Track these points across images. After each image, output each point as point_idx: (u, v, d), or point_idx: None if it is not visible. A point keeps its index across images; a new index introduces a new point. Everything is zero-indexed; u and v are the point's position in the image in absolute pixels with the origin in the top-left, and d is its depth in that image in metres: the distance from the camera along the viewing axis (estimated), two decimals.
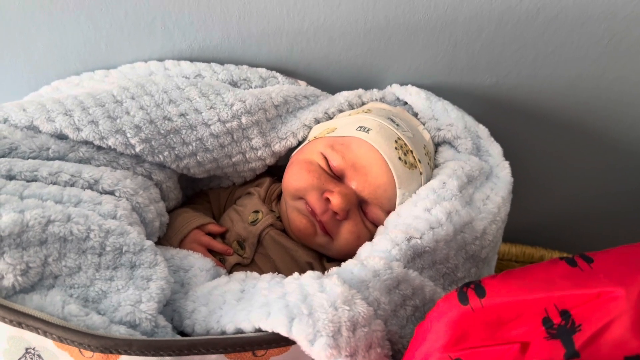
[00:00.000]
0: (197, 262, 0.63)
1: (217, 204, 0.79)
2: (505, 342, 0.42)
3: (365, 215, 0.67)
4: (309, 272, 0.54)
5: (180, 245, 0.69)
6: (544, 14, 0.76)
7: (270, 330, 0.48)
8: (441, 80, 0.83)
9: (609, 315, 0.40)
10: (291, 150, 0.75)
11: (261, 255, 0.70)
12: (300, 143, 0.75)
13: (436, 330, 0.44)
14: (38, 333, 0.47)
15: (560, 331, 0.40)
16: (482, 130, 0.76)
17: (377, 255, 0.56)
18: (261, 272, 0.65)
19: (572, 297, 0.41)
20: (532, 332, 0.41)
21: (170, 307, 0.57)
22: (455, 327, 0.43)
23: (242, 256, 0.69)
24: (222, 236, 0.72)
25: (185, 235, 0.70)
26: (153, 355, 0.47)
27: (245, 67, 0.77)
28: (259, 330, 0.49)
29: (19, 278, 0.49)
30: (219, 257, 0.69)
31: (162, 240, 0.70)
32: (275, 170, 0.79)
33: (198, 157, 0.70)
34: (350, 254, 0.63)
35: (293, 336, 0.47)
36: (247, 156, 0.73)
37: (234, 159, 0.73)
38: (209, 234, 0.71)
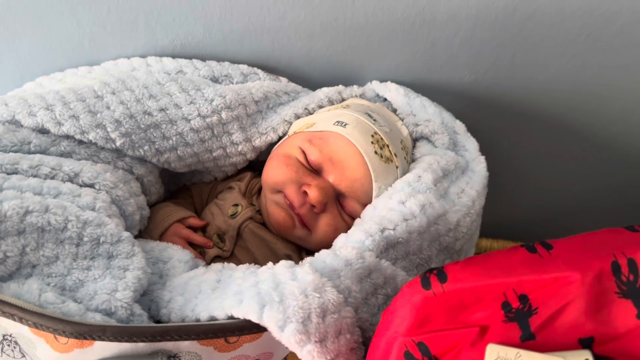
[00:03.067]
0: (176, 254, 0.64)
1: (200, 198, 0.80)
2: (466, 326, 0.43)
3: (343, 209, 0.69)
4: (282, 262, 0.55)
5: (161, 238, 0.71)
6: (521, 12, 0.77)
7: (242, 317, 0.50)
8: (421, 77, 0.84)
9: (564, 298, 0.41)
10: (272, 145, 0.77)
11: (241, 248, 0.71)
12: (280, 138, 0.76)
13: (400, 315, 0.45)
14: (14, 320, 0.48)
15: (517, 315, 0.42)
16: (459, 126, 0.78)
17: (350, 245, 0.58)
18: (240, 264, 0.66)
19: (530, 282, 0.43)
20: (491, 316, 0.43)
21: (147, 297, 0.58)
22: (418, 312, 0.44)
23: (222, 249, 0.71)
24: (203, 230, 0.73)
25: (165, 229, 0.71)
26: (127, 341, 0.48)
27: (226, 63, 0.79)
28: (232, 317, 0.51)
29: None
30: (199, 250, 0.70)
31: (143, 233, 0.71)
32: (257, 165, 0.80)
33: (179, 152, 0.71)
34: (328, 246, 0.64)
35: (264, 322, 0.49)
36: (228, 151, 0.74)
37: (214, 154, 0.74)
38: (190, 227, 0.72)
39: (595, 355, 0.39)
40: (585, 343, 0.40)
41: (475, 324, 0.43)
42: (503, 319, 0.42)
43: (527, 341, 0.40)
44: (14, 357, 0.51)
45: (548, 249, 0.45)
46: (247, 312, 0.49)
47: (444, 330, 0.43)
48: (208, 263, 0.69)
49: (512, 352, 0.39)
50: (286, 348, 0.55)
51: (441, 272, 0.45)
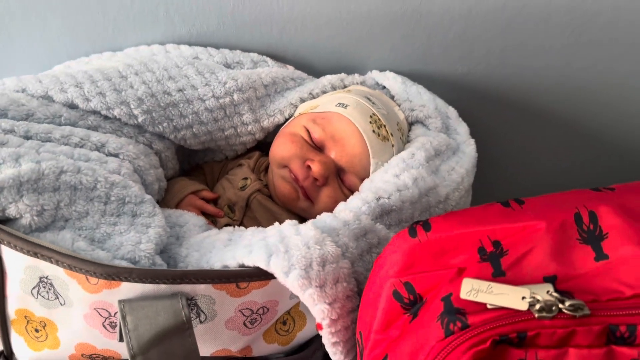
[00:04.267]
0: (192, 219, 0.70)
1: (211, 176, 0.87)
2: (446, 268, 0.49)
3: (343, 183, 0.75)
4: (287, 221, 0.62)
5: (177, 207, 0.77)
6: (510, 8, 0.84)
7: (252, 265, 0.56)
8: (418, 68, 0.91)
9: (531, 243, 0.48)
10: (279, 126, 0.83)
11: (249, 218, 0.78)
12: (287, 120, 0.83)
13: (390, 260, 0.52)
14: (51, 262, 0.54)
15: (490, 256, 0.48)
16: (451, 112, 0.84)
17: (348, 209, 0.64)
18: None
19: (503, 229, 0.49)
20: (469, 259, 0.49)
21: (166, 255, 0.65)
22: (406, 257, 0.51)
23: (232, 218, 0.77)
24: (214, 203, 0.80)
25: (181, 199, 0.77)
26: (150, 282, 0.54)
27: (238, 51, 0.86)
28: (243, 266, 0.57)
29: (35, 218, 0.56)
30: (211, 219, 0.77)
31: (160, 204, 0.78)
32: (264, 146, 0.87)
33: (194, 129, 0.78)
34: None
35: (271, 269, 0.55)
36: (239, 130, 0.81)
37: (226, 133, 0.81)
38: (203, 199, 0.79)
39: (557, 290, 0.45)
40: (548, 280, 0.46)
41: (455, 266, 0.49)
42: (478, 260, 0.48)
43: (498, 277, 0.46)
44: (49, 299, 0.58)
45: (520, 204, 0.52)
46: (256, 260, 0.56)
47: (427, 272, 0.50)
48: None
49: (484, 284, 0.45)
50: (290, 299, 0.61)
51: (426, 223, 0.52)
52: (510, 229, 0.49)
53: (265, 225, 0.76)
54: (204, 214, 0.77)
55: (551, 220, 0.48)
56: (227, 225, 0.76)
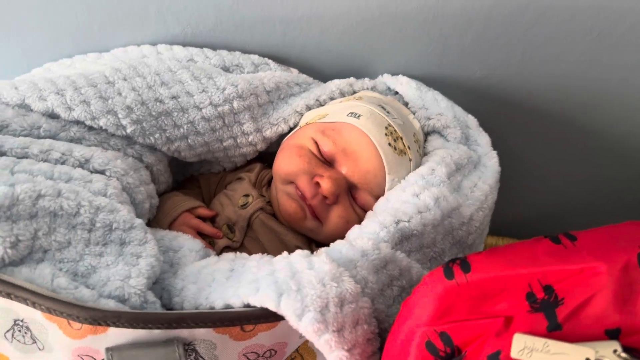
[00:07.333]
0: (187, 243, 0.63)
1: (208, 189, 0.79)
2: (490, 316, 0.42)
3: (355, 201, 0.68)
4: (298, 251, 0.55)
5: (170, 228, 0.70)
6: (533, 9, 0.77)
7: (259, 306, 0.49)
8: (432, 71, 0.84)
9: (591, 289, 0.41)
10: (282, 136, 0.76)
11: (250, 239, 0.70)
12: (291, 129, 0.76)
13: (422, 305, 0.45)
14: (27, 304, 0.47)
15: (543, 305, 0.41)
16: (471, 120, 0.78)
17: (365, 236, 0.57)
18: (250, 255, 0.65)
19: (555, 272, 0.42)
20: (516, 306, 0.42)
21: (159, 286, 0.57)
22: (441, 302, 0.44)
23: (231, 240, 0.70)
24: (212, 220, 0.73)
25: (175, 218, 0.70)
26: (142, 327, 0.47)
27: (237, 53, 0.78)
28: (248, 305, 0.50)
29: (9, 251, 0.49)
30: (208, 240, 0.70)
31: (152, 222, 0.70)
32: (266, 156, 0.80)
33: (189, 140, 0.70)
34: (338, 238, 0.63)
35: (281, 311, 0.48)
36: (238, 141, 0.74)
37: (225, 144, 0.73)
38: (199, 217, 0.71)
39: (625, 349, 0.38)
40: (611, 334, 0.39)
41: (500, 315, 0.42)
42: (528, 309, 0.41)
43: (553, 331, 0.40)
44: (25, 343, 0.50)
45: (572, 240, 0.45)
46: (264, 300, 0.48)
47: (467, 320, 0.43)
48: (218, 253, 0.68)
49: (539, 342, 0.38)
50: (299, 338, 0.54)
51: (464, 262, 0.45)
52: (564, 271, 0.42)
53: (268, 247, 0.70)
54: (201, 234, 0.70)
55: (612, 261, 0.41)
56: (226, 246, 0.70)
